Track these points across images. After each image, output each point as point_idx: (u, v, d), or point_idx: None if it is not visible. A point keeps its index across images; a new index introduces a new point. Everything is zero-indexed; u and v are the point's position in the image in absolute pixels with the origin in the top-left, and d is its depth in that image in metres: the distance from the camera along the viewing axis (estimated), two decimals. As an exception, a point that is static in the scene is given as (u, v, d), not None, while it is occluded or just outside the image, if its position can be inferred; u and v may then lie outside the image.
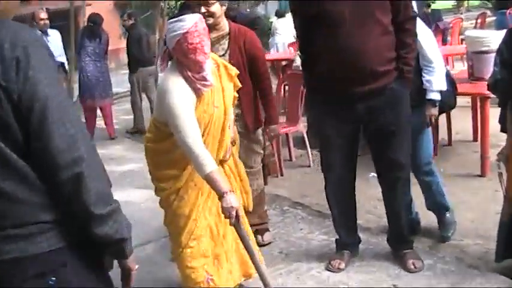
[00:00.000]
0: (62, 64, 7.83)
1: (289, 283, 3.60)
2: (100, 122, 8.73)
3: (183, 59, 2.85)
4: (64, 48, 8.47)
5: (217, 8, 3.60)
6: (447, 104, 3.97)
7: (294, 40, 10.40)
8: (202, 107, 2.93)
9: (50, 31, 7.77)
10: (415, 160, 3.72)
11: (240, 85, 3.25)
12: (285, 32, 11.86)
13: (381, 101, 3.35)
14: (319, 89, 3.51)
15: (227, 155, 3.14)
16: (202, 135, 2.89)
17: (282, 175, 5.82)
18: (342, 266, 3.68)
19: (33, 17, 7.61)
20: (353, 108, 3.38)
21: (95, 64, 8.23)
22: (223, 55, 3.62)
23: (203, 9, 3.53)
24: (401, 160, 3.50)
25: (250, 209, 3.40)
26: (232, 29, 3.74)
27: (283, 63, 10.24)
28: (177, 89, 2.83)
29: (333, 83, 3.37)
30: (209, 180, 2.73)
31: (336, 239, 3.83)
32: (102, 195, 1.60)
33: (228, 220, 2.84)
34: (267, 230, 4.22)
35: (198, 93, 2.89)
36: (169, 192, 3.07)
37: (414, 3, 3.52)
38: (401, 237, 3.71)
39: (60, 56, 7.86)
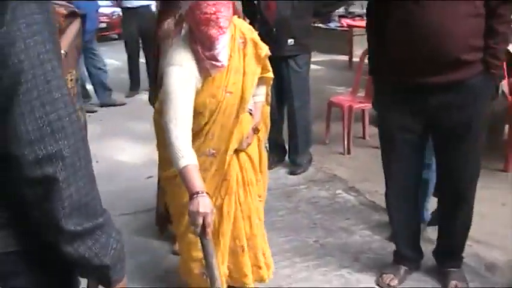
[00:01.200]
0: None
1: (313, 279, 3.27)
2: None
3: (195, 29, 2.44)
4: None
5: None
6: None
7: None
8: (210, 90, 2.49)
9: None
10: None
11: (271, 69, 2.79)
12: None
13: (458, 97, 2.79)
14: (388, 75, 2.97)
15: (244, 144, 2.72)
16: (207, 123, 2.52)
17: (349, 153, 5.40)
18: (395, 282, 3.19)
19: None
20: (424, 102, 2.85)
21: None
22: None
23: None
24: (468, 169, 2.95)
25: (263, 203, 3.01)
26: None
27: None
28: (178, 64, 2.40)
29: (404, 69, 2.83)
30: (182, 176, 2.31)
31: (394, 250, 3.35)
32: (81, 207, 1.19)
33: (230, 217, 2.60)
34: None
35: (205, 73, 2.48)
36: (168, 175, 2.71)
37: None
38: (450, 254, 3.23)
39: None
